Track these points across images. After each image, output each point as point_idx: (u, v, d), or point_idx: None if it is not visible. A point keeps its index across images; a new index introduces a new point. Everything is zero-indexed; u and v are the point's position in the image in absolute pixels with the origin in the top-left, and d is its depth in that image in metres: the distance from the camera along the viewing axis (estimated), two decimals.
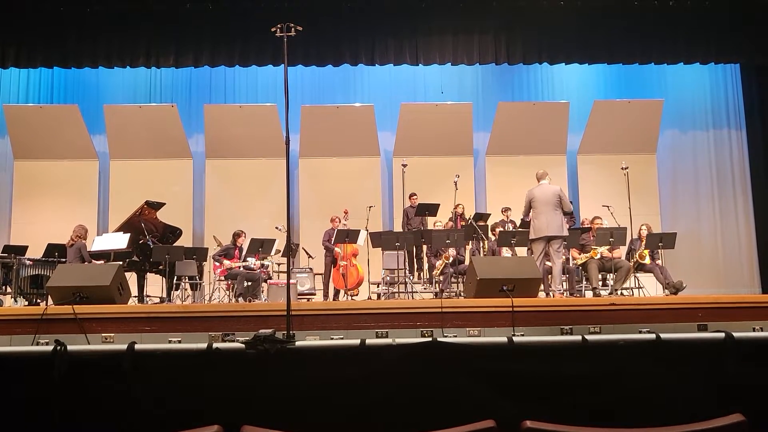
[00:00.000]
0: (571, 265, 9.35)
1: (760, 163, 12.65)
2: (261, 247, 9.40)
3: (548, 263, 8.17)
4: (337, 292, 10.31)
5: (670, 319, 5.38)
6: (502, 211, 10.60)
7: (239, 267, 9.48)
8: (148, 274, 9.36)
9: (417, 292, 9.63)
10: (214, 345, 3.90)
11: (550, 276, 8.23)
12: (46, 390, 3.68)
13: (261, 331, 3.91)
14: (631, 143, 12.31)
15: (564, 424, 2.42)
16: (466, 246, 9.78)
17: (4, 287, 9.19)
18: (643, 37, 11.76)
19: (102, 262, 8.79)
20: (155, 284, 9.81)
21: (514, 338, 4.01)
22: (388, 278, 9.97)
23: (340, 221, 10.30)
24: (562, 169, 12.52)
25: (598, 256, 9.05)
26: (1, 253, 9.39)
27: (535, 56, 11.91)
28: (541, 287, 7.53)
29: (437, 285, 9.39)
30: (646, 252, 9.15)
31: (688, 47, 11.88)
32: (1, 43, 11.45)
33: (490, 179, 12.69)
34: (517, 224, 10.06)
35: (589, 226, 9.74)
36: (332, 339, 4.59)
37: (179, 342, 4.62)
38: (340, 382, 3.77)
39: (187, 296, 9.97)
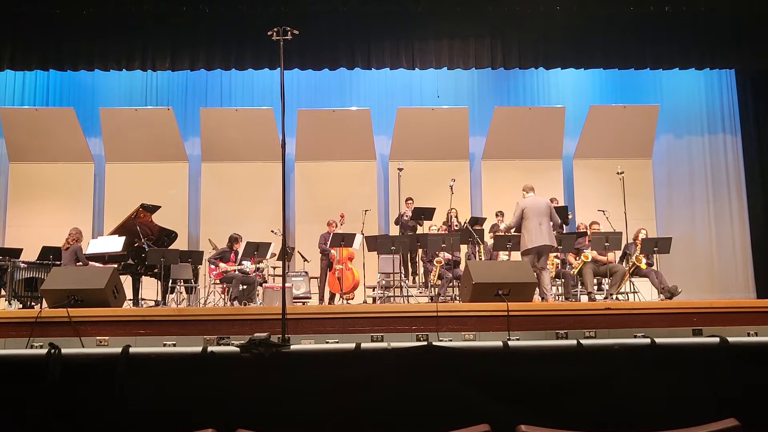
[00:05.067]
0: (567, 269, 9.37)
1: (754, 168, 12.70)
2: (256, 250, 9.39)
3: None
4: (332, 296, 10.30)
5: (665, 323, 5.38)
6: (495, 215, 10.62)
7: (235, 270, 9.46)
8: (143, 277, 9.34)
9: (412, 296, 9.63)
10: (209, 348, 3.90)
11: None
12: (41, 393, 3.67)
13: (256, 334, 3.91)
14: (626, 148, 12.34)
15: (558, 429, 2.42)
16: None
17: None
18: (639, 43, 11.81)
19: (99, 264, 8.78)
20: (150, 287, 9.79)
21: (510, 342, 4.01)
22: (383, 282, 9.96)
23: (336, 225, 10.30)
24: (557, 173, 12.55)
25: (590, 258, 9.05)
26: None
27: (531, 61, 11.94)
28: (536, 292, 7.56)
29: (434, 289, 9.39)
30: (642, 256, 9.15)
31: (683, 53, 11.92)
32: None
33: (486, 183, 12.69)
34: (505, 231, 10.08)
35: (584, 230, 9.75)
36: (327, 343, 4.59)
37: (174, 345, 4.61)
38: (335, 386, 3.76)
39: (182, 299, 9.95)
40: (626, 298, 9.38)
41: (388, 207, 12.39)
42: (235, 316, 5.33)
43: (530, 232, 7.98)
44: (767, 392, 3.80)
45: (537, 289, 7.44)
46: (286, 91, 5.08)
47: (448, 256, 9.44)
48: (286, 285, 8.06)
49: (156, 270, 9.18)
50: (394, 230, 10.73)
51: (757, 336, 4.98)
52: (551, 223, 8.12)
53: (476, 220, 10.30)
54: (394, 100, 12.80)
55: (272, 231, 9.86)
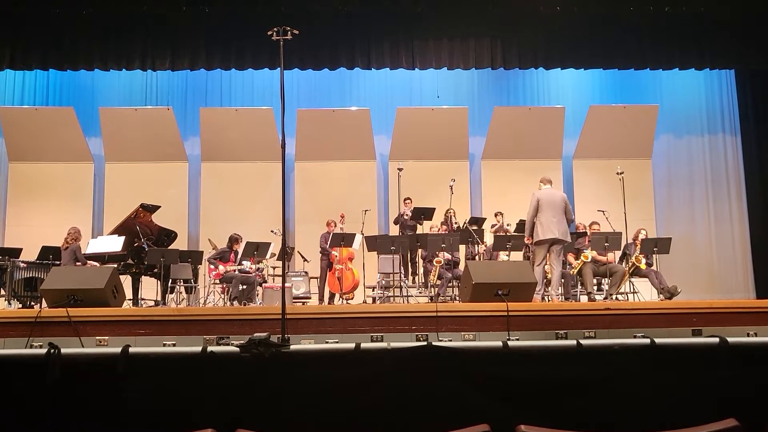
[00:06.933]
0: (566, 269, 9.36)
1: (754, 168, 12.70)
2: (256, 250, 9.38)
3: (546, 267, 8.15)
4: (332, 296, 10.30)
5: (665, 324, 5.38)
6: (495, 216, 10.61)
7: (234, 270, 9.45)
8: (142, 277, 9.34)
9: (412, 296, 9.63)
10: (209, 348, 3.90)
11: (545, 280, 8.22)
12: (40, 393, 3.67)
13: (256, 334, 3.91)
14: (626, 148, 12.33)
15: (558, 429, 2.42)
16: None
17: None
18: (639, 43, 11.82)
19: (98, 264, 8.78)
20: (150, 287, 9.79)
21: (509, 342, 4.01)
22: (383, 282, 9.96)
23: (336, 225, 10.30)
24: (557, 173, 12.53)
25: (590, 258, 9.04)
26: None
27: (531, 61, 11.94)
28: (539, 290, 7.54)
29: (433, 289, 9.39)
30: (641, 256, 9.14)
31: (683, 53, 11.93)
32: None
33: (486, 183, 12.69)
34: (512, 229, 10.08)
35: (584, 230, 9.75)
36: (327, 343, 4.59)
37: (174, 345, 4.61)
38: (335, 386, 3.76)
39: (182, 299, 9.95)
40: (626, 298, 9.38)
41: (388, 207, 12.40)
42: (234, 316, 5.34)
43: (543, 224, 7.82)
44: (767, 392, 3.80)
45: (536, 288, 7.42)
46: (286, 91, 5.09)
47: (447, 256, 9.43)
48: (286, 285, 8.06)
49: (156, 270, 9.18)
50: (394, 230, 10.74)
51: (756, 336, 4.98)
52: (565, 219, 7.90)
53: (476, 221, 10.30)
54: (394, 100, 12.79)
55: (272, 231, 9.86)
